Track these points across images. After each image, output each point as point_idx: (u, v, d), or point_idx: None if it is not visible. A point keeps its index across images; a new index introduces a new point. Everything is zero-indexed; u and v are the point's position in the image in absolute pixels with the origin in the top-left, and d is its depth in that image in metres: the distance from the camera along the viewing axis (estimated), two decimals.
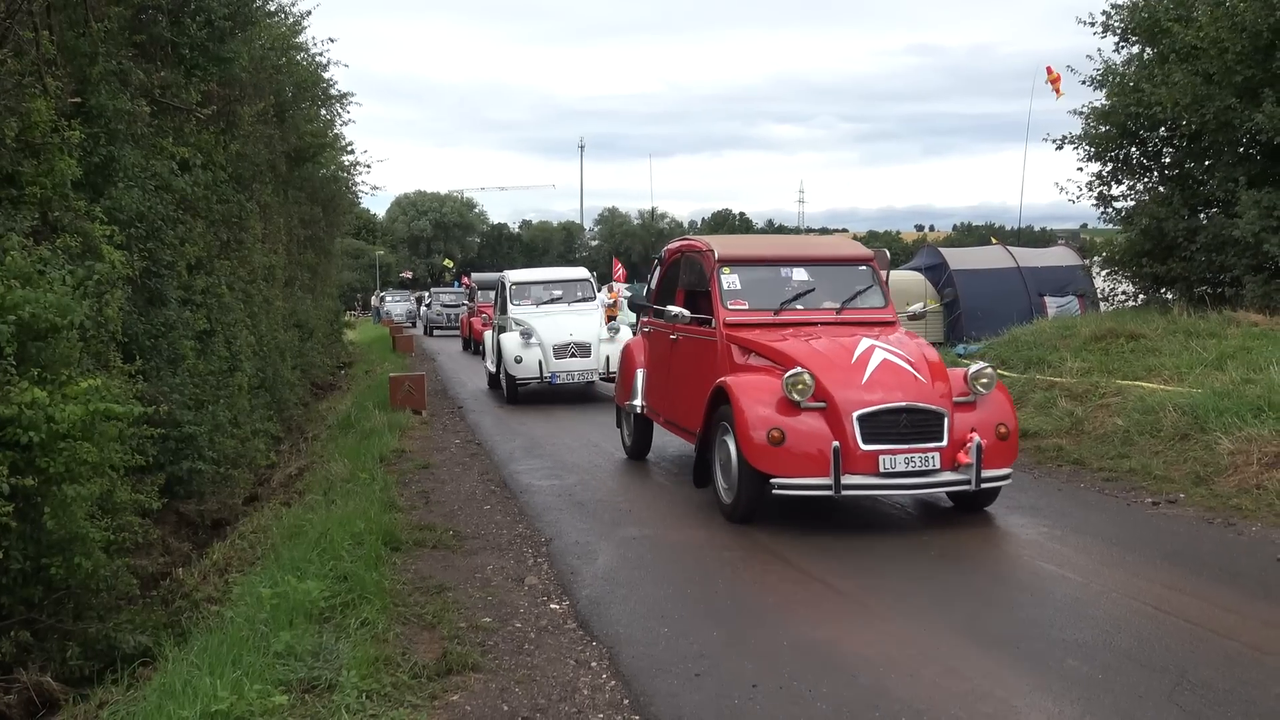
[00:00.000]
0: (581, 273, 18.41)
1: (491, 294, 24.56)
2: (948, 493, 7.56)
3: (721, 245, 8.74)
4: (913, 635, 5.07)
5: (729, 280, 8.41)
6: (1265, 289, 12.96)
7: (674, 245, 10.01)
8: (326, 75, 20.90)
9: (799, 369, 7.13)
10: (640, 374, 9.94)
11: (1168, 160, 15.77)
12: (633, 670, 4.73)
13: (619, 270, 39.95)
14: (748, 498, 7.26)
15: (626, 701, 4.41)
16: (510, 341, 15.59)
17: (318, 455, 12.12)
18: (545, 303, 16.82)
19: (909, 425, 7.00)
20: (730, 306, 8.25)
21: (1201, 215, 14.69)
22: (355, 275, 70.91)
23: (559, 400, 15.68)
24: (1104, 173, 15.99)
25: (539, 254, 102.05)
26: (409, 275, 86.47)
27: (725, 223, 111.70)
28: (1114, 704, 4.20)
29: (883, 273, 8.91)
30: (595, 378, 15.42)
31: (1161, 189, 15.41)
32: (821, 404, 7.07)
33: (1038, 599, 5.61)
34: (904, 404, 7.01)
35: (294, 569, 6.01)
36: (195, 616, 6.57)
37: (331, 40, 29.74)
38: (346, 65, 51.20)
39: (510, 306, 16.69)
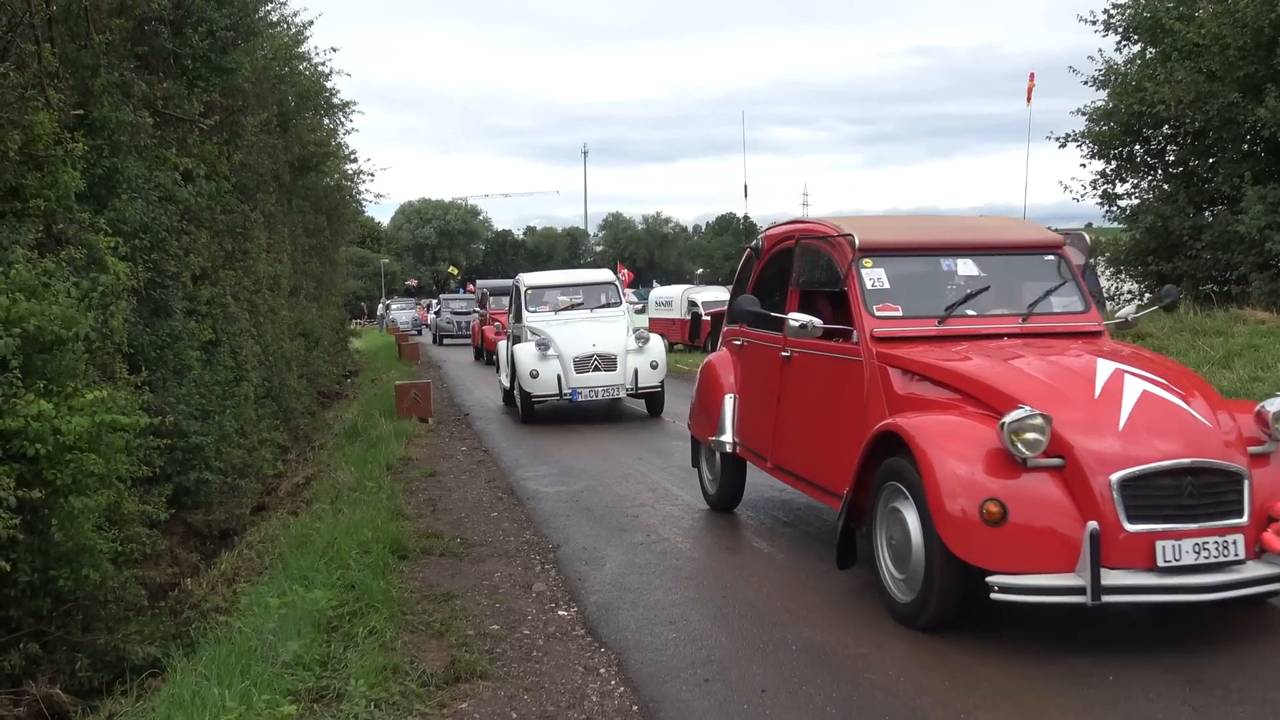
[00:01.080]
0: (605, 275, 16.46)
1: (504, 300, 23.31)
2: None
3: (861, 228, 6.37)
4: (923, 639, 5.05)
5: (873, 277, 6.16)
6: (1272, 286, 12.96)
7: (778, 229, 7.61)
8: (329, 84, 20.99)
9: (1027, 409, 4.85)
10: (730, 401, 7.71)
11: (1171, 158, 15.79)
12: (641, 676, 4.72)
13: (624, 275, 39.99)
14: (943, 598, 4.97)
15: (635, 708, 4.40)
16: (525, 353, 13.77)
17: (324, 464, 12.12)
18: (565, 309, 15.08)
19: (1195, 493, 4.73)
20: (878, 313, 5.97)
21: (1207, 212, 14.69)
22: (360, 284, 71.03)
23: (585, 418, 14.14)
24: (1108, 171, 15.99)
25: (544, 260, 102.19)
26: (414, 283, 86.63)
27: (730, 226, 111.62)
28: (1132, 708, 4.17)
29: (1078, 261, 6.68)
30: (622, 394, 13.62)
31: (1166, 186, 15.42)
32: (1058, 460, 4.83)
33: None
34: (1189, 461, 4.73)
35: (302, 578, 6.01)
36: (203, 627, 6.56)
37: (334, 50, 29.77)
38: (349, 75, 51.23)
39: (525, 314, 14.92)
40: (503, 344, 16.48)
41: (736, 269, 7.98)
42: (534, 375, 13.44)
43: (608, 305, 15.16)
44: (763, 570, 6.41)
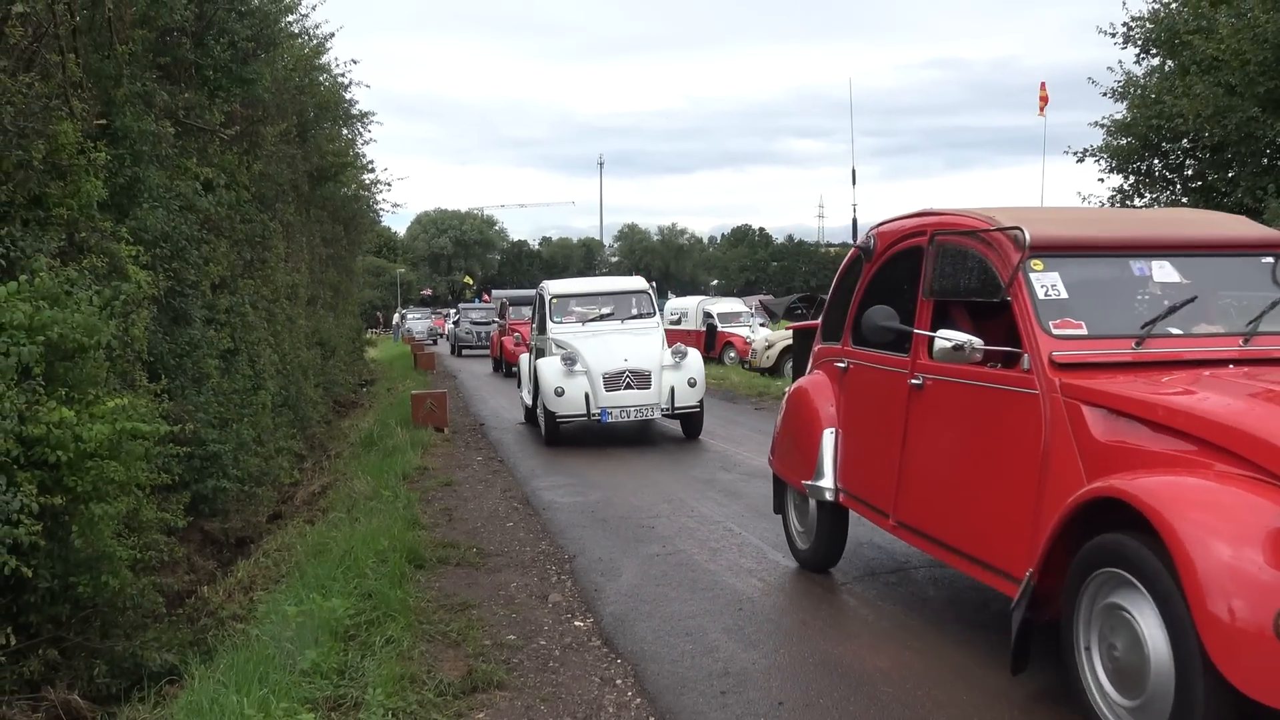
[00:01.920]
0: (637, 283, 14.97)
1: (525, 310, 22.63)
2: None
3: (1028, 220, 4.79)
4: (945, 653, 5.03)
5: (1046, 283, 4.67)
6: None
7: (898, 224, 5.96)
8: (348, 95, 21.08)
9: None
10: (830, 437, 6.29)
11: (1190, 172, 15.71)
12: (658, 688, 4.72)
13: None
14: None
15: (652, 719, 4.40)
16: (550, 368, 12.49)
17: (341, 473, 12.16)
18: (593, 320, 13.84)
19: None
20: (1056, 331, 4.52)
21: None
22: (376, 293, 71.34)
23: (613, 440, 13.17)
24: (1125, 186, 15.94)
25: (559, 270, 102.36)
26: (429, 293, 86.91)
27: (745, 238, 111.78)
28: None
29: None
30: (656, 414, 12.35)
31: (1184, 201, 15.34)
32: None
33: None
34: None
35: (319, 587, 6.02)
36: (221, 634, 6.59)
37: (354, 62, 30.03)
38: (368, 86, 51.67)
39: (550, 325, 13.59)
40: (525, 357, 15.30)
41: (838, 275, 6.66)
42: (559, 393, 12.19)
43: (640, 316, 13.83)
44: (779, 583, 6.40)
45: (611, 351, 12.51)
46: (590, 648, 5.34)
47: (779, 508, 7.10)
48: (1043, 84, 20.48)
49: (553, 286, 14.50)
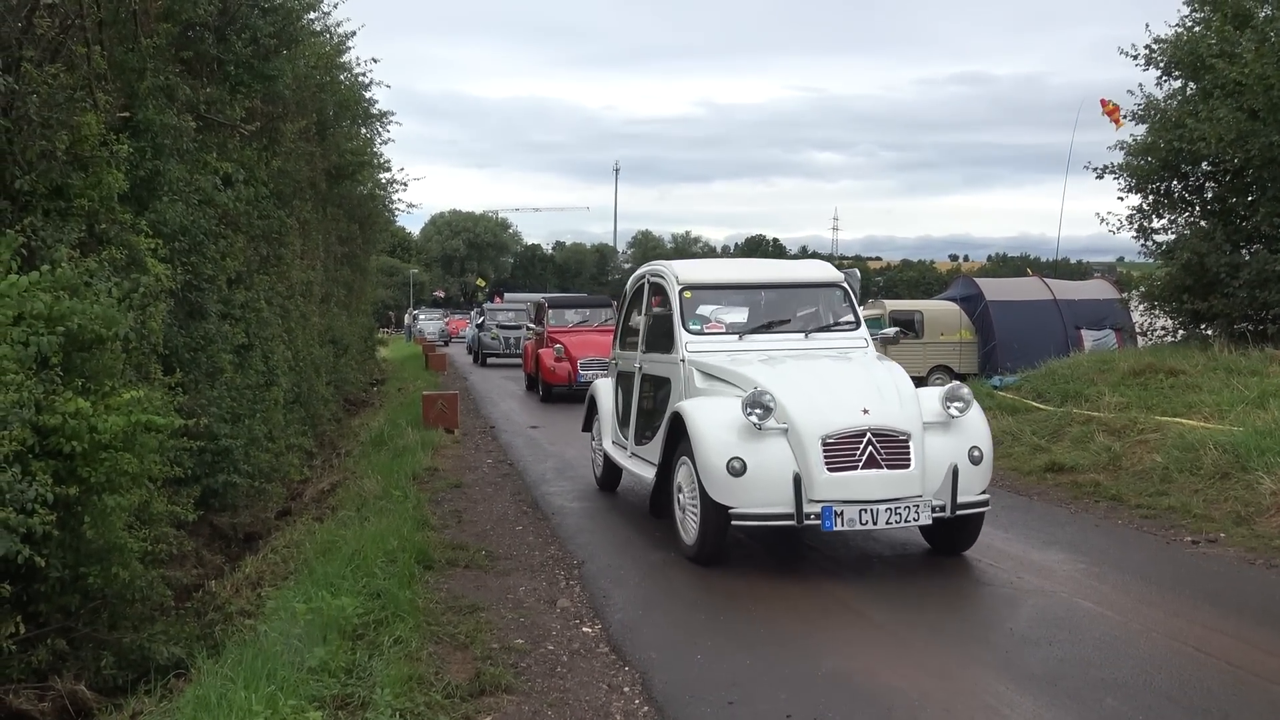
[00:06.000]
0: (823, 271, 8.85)
1: (570, 314, 20.78)
2: None
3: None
4: (948, 668, 5.01)
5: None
6: None
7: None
8: (368, 94, 21.12)
9: None
10: None
11: (1210, 195, 15.64)
12: (666, 696, 4.70)
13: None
14: None
15: None
16: (718, 420, 6.88)
17: (350, 471, 12.17)
18: (750, 332, 8.16)
19: None
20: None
21: (1244, 251, 14.54)
22: (389, 293, 71.47)
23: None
24: (1144, 206, 15.88)
25: (571, 275, 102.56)
26: (441, 294, 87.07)
27: (759, 248, 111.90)
28: None
29: None
30: (922, 516, 6.62)
31: (1203, 223, 15.27)
32: None
33: (1075, 636, 5.53)
34: None
35: (328, 584, 6.02)
36: (228, 629, 6.60)
37: (374, 60, 29.94)
38: (388, 86, 51.78)
39: (686, 336, 7.95)
40: (603, 385, 10.14)
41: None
42: (737, 470, 6.59)
43: (836, 327, 8.28)
44: (789, 595, 6.37)
45: (833, 392, 6.97)
46: (598, 654, 5.33)
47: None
48: (1103, 100, 19.83)
49: (681, 270, 8.52)
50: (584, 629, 5.73)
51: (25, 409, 5.49)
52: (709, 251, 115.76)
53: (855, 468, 6.59)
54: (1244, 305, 14.10)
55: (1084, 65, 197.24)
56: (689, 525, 7.08)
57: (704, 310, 8.34)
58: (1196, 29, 15.04)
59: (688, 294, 8.22)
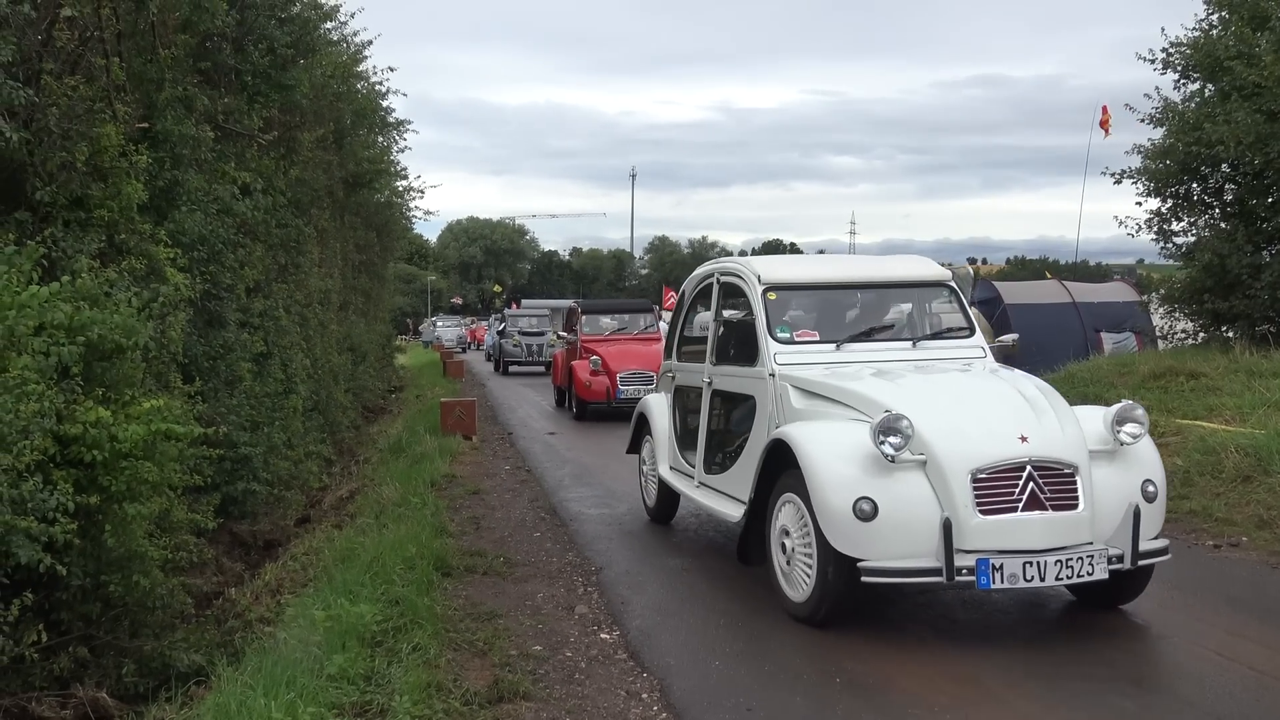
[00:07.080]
0: (924, 268, 7.65)
1: (605, 321, 18.82)
2: None
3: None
4: (966, 673, 4.99)
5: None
6: None
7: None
8: (385, 103, 21.21)
9: None
10: None
11: (1230, 197, 15.54)
12: (684, 703, 4.69)
13: (669, 299, 39.91)
14: None
15: None
16: (836, 450, 5.61)
17: (369, 478, 12.21)
18: (848, 341, 6.87)
19: None
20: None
21: (1265, 252, 14.44)
22: (407, 300, 71.80)
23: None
24: (1163, 209, 15.78)
25: (589, 282, 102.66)
26: (459, 301, 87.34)
27: (776, 252, 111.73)
28: None
29: None
30: (1099, 570, 5.35)
31: (1224, 225, 15.17)
32: None
33: (1096, 639, 5.50)
34: None
35: (346, 592, 6.05)
36: (248, 637, 6.63)
37: (391, 69, 30.06)
38: (405, 94, 51.98)
39: (773, 345, 6.68)
40: (656, 401, 8.80)
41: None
42: (867, 514, 5.34)
43: (949, 334, 7.27)
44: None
45: (978, 414, 5.72)
46: (616, 661, 5.33)
47: None
48: (1104, 106, 20.08)
49: (762, 268, 7.23)
50: (602, 635, 5.73)
51: (46, 419, 5.53)
52: (726, 255, 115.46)
53: (1015, 509, 5.33)
54: (1266, 306, 14.00)
55: (1103, 67, 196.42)
56: (797, 578, 5.78)
57: (838, 310, 7.26)
58: (1214, 31, 14.96)
59: (772, 295, 6.95)
